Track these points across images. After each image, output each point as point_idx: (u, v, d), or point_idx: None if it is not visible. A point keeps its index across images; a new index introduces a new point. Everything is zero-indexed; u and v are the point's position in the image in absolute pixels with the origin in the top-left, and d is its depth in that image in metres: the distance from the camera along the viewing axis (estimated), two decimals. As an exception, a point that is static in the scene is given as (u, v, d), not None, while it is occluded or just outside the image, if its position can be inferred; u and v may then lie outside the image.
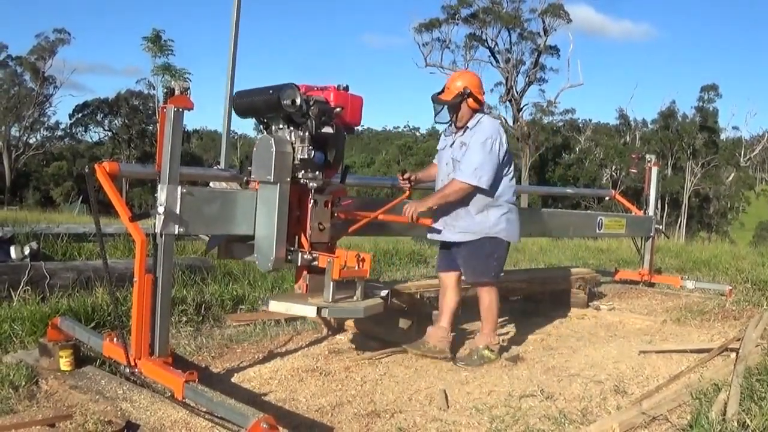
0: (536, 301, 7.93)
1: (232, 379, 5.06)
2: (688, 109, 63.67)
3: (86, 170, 4.32)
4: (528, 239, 14.10)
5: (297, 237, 4.94)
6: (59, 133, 65.29)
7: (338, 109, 4.92)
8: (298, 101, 4.64)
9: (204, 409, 4.08)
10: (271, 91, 4.73)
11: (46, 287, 6.74)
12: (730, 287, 8.75)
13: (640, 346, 5.98)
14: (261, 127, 5.12)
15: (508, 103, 52.73)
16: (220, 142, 10.23)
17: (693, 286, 8.94)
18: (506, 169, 5.50)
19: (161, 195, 4.19)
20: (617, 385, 4.88)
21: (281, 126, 4.85)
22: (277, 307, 4.90)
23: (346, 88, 5.04)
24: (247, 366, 5.35)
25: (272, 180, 4.66)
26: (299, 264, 4.89)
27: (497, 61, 52.36)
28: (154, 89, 50.73)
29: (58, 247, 9.21)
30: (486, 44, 52.17)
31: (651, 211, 9.44)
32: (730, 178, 61.63)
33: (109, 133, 64.61)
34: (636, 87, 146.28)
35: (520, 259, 12.52)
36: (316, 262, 4.85)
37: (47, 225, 10.71)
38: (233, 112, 5.13)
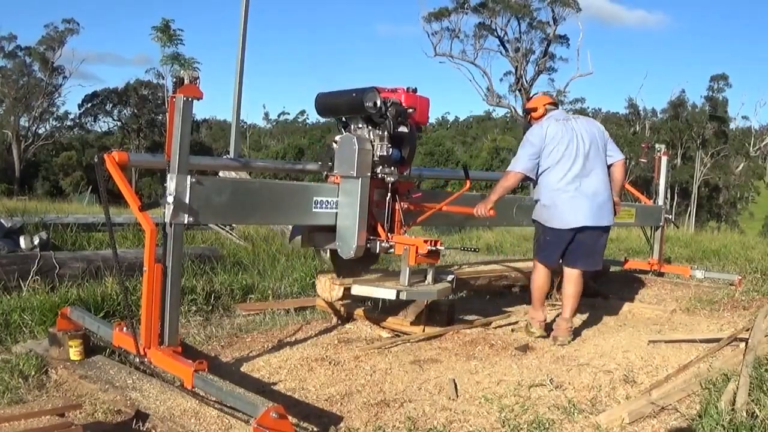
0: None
1: (242, 369, 5.07)
2: (697, 98, 63.43)
3: (95, 160, 4.32)
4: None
5: (374, 226, 5.37)
6: (68, 123, 65.24)
7: (411, 110, 5.32)
8: (378, 103, 5.10)
9: (213, 399, 4.09)
10: (354, 94, 5.19)
11: (55, 277, 6.78)
12: (740, 277, 8.71)
13: (650, 335, 5.97)
14: (339, 126, 5.57)
15: (517, 92, 52.51)
16: (230, 131, 10.23)
17: (702, 275, 8.91)
18: (550, 162, 5.81)
19: (170, 184, 4.19)
20: (626, 375, 4.87)
21: (360, 125, 5.32)
22: (360, 290, 5.36)
23: (415, 90, 5.44)
24: (257, 355, 5.36)
25: (355, 175, 5.11)
26: (377, 251, 5.31)
27: (507, 51, 52.11)
28: (163, 79, 50.77)
29: (67, 236, 9.25)
30: (495, 33, 51.88)
31: (660, 201, 9.41)
32: (740, 168, 61.33)
33: (119, 123, 64.56)
34: (646, 76, 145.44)
35: (528, 248, 12.49)
36: (392, 250, 5.30)
37: (57, 215, 10.75)
38: (315, 110, 5.65)
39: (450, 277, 5.68)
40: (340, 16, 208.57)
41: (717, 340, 5.55)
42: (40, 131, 60.51)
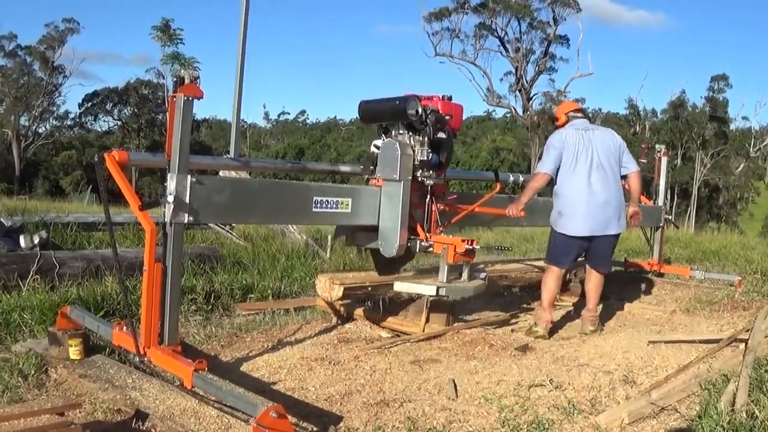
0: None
1: (242, 368, 5.07)
2: (698, 99, 63.42)
3: (96, 159, 4.32)
4: (538, 229, 14.10)
5: (413, 227, 5.63)
6: (68, 122, 65.28)
7: (448, 117, 5.62)
8: (420, 111, 5.39)
9: (213, 398, 4.09)
10: (397, 102, 5.46)
11: (55, 276, 6.78)
12: (740, 278, 8.71)
13: (650, 336, 5.96)
14: (379, 131, 5.89)
15: (517, 92, 52.54)
16: (230, 131, 10.26)
17: (702, 276, 8.90)
18: (567, 170, 6.20)
19: (171, 184, 4.19)
20: (626, 375, 4.86)
21: (401, 131, 5.60)
22: (401, 287, 5.65)
23: (450, 98, 5.72)
24: (257, 355, 5.36)
25: (397, 178, 5.40)
26: (417, 250, 5.60)
27: (507, 51, 52.14)
28: (163, 78, 50.83)
29: (67, 236, 9.25)
30: (496, 34, 51.90)
31: (660, 201, 9.41)
32: (740, 169, 61.37)
33: (119, 123, 64.58)
34: (646, 77, 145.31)
35: (529, 249, 12.53)
36: (431, 249, 5.55)
37: (57, 214, 10.75)
38: (359, 116, 5.92)
39: (483, 275, 5.86)
40: (340, 17, 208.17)
41: (717, 341, 5.55)
42: (40, 130, 60.50)
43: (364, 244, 5.92)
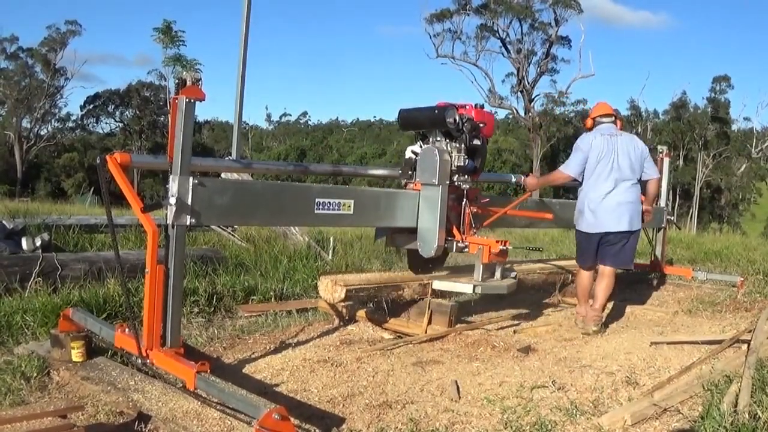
0: (548, 292, 7.91)
1: (244, 370, 5.07)
2: (699, 100, 63.26)
3: (98, 161, 4.32)
4: (539, 230, 14.12)
5: (449, 229, 5.94)
6: (70, 124, 65.48)
7: (482, 125, 5.97)
8: (457, 119, 5.74)
9: (216, 400, 4.09)
10: (436, 111, 5.82)
11: (57, 278, 6.77)
12: (742, 278, 8.71)
13: (652, 337, 5.97)
14: (416, 138, 6.18)
15: (519, 93, 52.57)
16: (232, 132, 10.25)
17: (704, 277, 8.89)
18: (588, 172, 6.48)
19: (173, 186, 4.19)
20: (629, 377, 4.87)
21: (438, 138, 5.92)
22: (440, 285, 6.01)
23: (482, 107, 6.08)
24: (259, 357, 5.36)
25: (436, 183, 5.74)
26: (453, 251, 5.94)
27: (508, 52, 52.18)
28: (165, 80, 50.76)
29: (69, 238, 9.24)
30: (497, 35, 51.95)
31: (662, 203, 9.40)
32: (742, 170, 61.26)
33: (121, 125, 64.73)
34: (648, 77, 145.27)
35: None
36: (467, 249, 5.86)
37: (59, 216, 10.74)
38: (398, 123, 6.28)
39: (513, 274, 6.15)
40: (342, 18, 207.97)
41: (719, 342, 5.55)
42: (42, 132, 60.71)
43: (402, 246, 6.24)
